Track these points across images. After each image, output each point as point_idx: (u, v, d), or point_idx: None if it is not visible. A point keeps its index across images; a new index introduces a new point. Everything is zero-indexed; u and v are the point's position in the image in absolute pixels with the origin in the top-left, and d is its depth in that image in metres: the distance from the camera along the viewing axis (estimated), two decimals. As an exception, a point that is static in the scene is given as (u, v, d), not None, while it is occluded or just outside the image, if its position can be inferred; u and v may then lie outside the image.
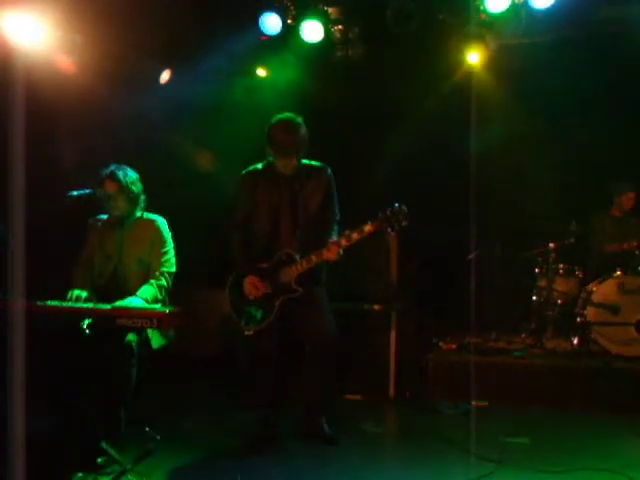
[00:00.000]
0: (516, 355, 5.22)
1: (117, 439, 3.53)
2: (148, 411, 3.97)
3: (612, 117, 6.22)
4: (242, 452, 3.74)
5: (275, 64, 6.52)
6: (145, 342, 3.68)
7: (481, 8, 5.45)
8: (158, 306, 3.62)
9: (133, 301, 3.60)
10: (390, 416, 4.88)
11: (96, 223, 4.05)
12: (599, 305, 5.36)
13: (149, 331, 3.66)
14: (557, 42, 5.85)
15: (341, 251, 3.62)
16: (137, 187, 3.90)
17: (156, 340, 3.75)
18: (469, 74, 6.28)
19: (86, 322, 3.43)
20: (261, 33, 5.93)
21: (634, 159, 5.96)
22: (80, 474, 3.27)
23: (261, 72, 6.61)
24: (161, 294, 3.82)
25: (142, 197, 3.95)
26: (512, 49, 5.94)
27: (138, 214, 3.97)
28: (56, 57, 5.11)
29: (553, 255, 5.87)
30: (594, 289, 5.46)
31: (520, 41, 5.78)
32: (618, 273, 5.45)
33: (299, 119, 3.77)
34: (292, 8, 5.80)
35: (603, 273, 5.60)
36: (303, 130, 3.75)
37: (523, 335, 5.91)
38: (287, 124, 3.73)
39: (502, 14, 5.42)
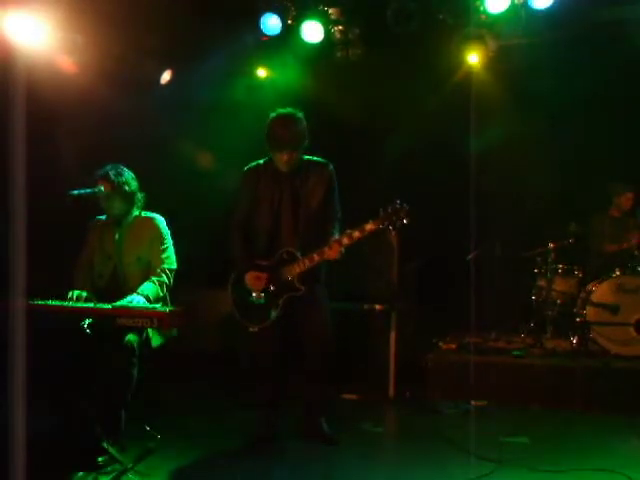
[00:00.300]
0: (516, 355, 5.23)
1: (117, 438, 3.54)
2: (148, 410, 3.97)
3: (612, 117, 6.23)
4: (242, 452, 3.75)
5: (275, 64, 6.53)
6: (146, 342, 3.68)
7: (481, 8, 5.45)
8: (158, 306, 3.62)
9: (134, 299, 3.60)
10: (390, 416, 4.88)
11: (95, 224, 4.06)
12: (598, 305, 5.36)
13: (149, 330, 3.66)
14: (557, 42, 5.86)
15: (343, 250, 3.61)
16: (131, 186, 3.90)
17: (156, 339, 3.76)
18: (469, 74, 6.28)
19: (87, 322, 3.44)
20: (261, 33, 5.94)
21: (633, 159, 5.97)
22: (80, 473, 3.27)
23: (261, 72, 6.61)
24: (162, 291, 3.82)
25: (138, 196, 3.95)
26: (512, 49, 5.94)
27: (136, 213, 3.97)
28: (57, 57, 5.12)
29: (552, 255, 5.87)
30: (593, 289, 5.46)
31: (520, 41, 5.78)
32: (617, 273, 5.46)
33: (299, 114, 3.77)
34: (292, 8, 5.80)
35: (602, 273, 5.61)
36: (301, 125, 3.74)
37: (523, 335, 5.91)
38: (285, 118, 3.73)
39: (502, 14, 5.43)
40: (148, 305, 3.58)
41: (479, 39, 5.80)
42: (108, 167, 3.89)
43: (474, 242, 6.33)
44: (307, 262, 3.68)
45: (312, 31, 5.80)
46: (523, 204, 6.62)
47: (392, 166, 6.59)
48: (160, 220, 3.99)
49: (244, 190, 3.92)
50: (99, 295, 3.76)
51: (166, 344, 3.85)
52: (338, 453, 3.77)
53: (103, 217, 4.04)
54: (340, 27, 5.86)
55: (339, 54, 6.10)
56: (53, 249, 4.12)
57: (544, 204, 6.47)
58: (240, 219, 3.91)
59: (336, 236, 3.67)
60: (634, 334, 5.25)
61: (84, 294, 3.71)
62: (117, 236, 3.92)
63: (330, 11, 5.81)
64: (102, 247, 3.94)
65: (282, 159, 3.75)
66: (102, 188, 3.81)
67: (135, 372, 3.55)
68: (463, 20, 5.56)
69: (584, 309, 5.42)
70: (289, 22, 5.87)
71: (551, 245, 5.85)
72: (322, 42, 5.90)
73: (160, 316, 3.36)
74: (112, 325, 3.39)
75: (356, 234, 3.59)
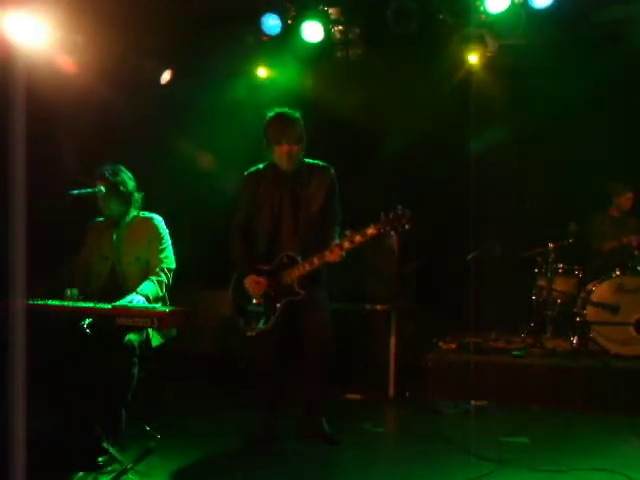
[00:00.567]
0: (516, 355, 5.23)
1: (117, 438, 3.53)
2: (148, 410, 3.97)
3: (612, 117, 6.23)
4: (242, 452, 3.75)
5: (275, 64, 6.53)
6: (146, 341, 3.68)
7: (481, 8, 5.44)
8: (158, 305, 3.63)
9: (134, 298, 3.60)
10: (390, 416, 4.88)
11: (93, 224, 4.06)
12: (598, 305, 5.36)
13: (149, 330, 3.66)
14: (557, 42, 5.85)
15: (343, 254, 3.59)
16: (128, 187, 3.90)
17: (156, 339, 3.76)
18: (469, 74, 6.28)
19: (87, 321, 3.44)
20: (261, 33, 5.94)
21: (633, 159, 5.97)
22: (80, 473, 3.27)
23: (261, 72, 6.61)
24: (162, 290, 3.82)
25: (135, 196, 3.95)
26: (512, 49, 5.94)
27: (134, 213, 3.98)
28: (57, 57, 5.13)
29: (552, 255, 5.87)
30: (593, 289, 5.46)
31: (520, 41, 5.78)
32: (617, 273, 5.46)
33: (296, 114, 3.79)
34: (292, 8, 5.80)
35: (602, 273, 5.61)
36: (298, 123, 3.76)
37: (523, 335, 5.91)
38: (282, 114, 3.77)
39: (502, 14, 5.42)
40: (148, 305, 3.58)
41: (479, 39, 5.80)
42: (105, 167, 3.89)
43: (474, 242, 6.34)
44: (307, 266, 3.67)
45: (312, 31, 5.80)
46: (523, 204, 6.62)
47: (392, 166, 6.59)
48: (159, 220, 3.99)
49: (244, 195, 3.92)
50: (98, 294, 3.76)
51: (166, 344, 3.85)
52: (338, 453, 3.78)
53: (101, 218, 4.04)
54: (340, 27, 5.85)
55: (339, 54, 6.10)
56: (53, 249, 4.12)
57: (544, 204, 6.46)
58: (241, 221, 3.91)
59: (337, 240, 3.65)
60: (634, 334, 5.25)
61: (75, 292, 3.70)
62: (115, 236, 3.92)
63: (330, 11, 5.80)
64: (100, 247, 3.94)
65: (282, 153, 3.74)
66: (102, 188, 3.81)
67: (135, 372, 3.55)
68: (463, 20, 5.55)
69: (584, 309, 5.42)
70: (289, 22, 5.86)
71: (551, 245, 5.85)
72: (322, 42, 5.89)
73: (160, 316, 3.37)
74: (112, 325, 3.39)
75: (357, 238, 3.57)
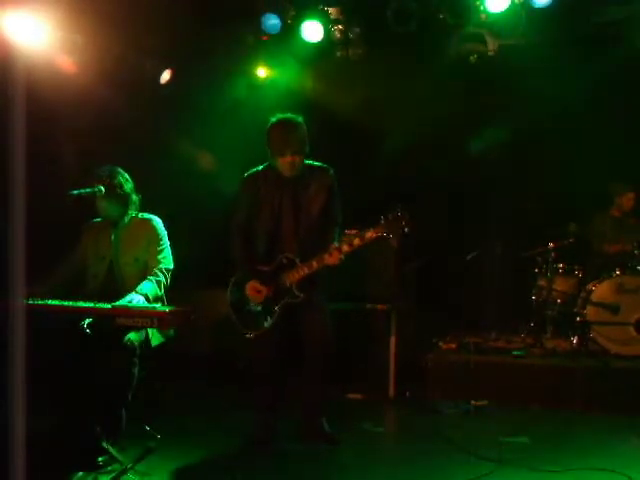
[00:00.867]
0: (516, 355, 5.23)
1: (117, 438, 3.54)
2: (148, 410, 3.97)
3: (612, 117, 6.23)
4: (241, 452, 3.75)
5: (275, 64, 6.53)
6: (146, 341, 3.68)
7: (481, 8, 5.43)
8: (158, 305, 3.63)
9: (134, 298, 3.59)
10: (390, 416, 4.89)
11: (90, 225, 4.07)
12: (598, 304, 5.36)
13: (149, 329, 3.66)
14: (557, 42, 5.85)
15: (342, 257, 3.59)
16: (125, 189, 3.89)
17: (155, 338, 3.76)
18: (468, 74, 6.28)
19: (87, 321, 3.44)
20: (261, 33, 5.94)
21: (633, 159, 5.97)
22: (80, 473, 3.27)
23: (261, 72, 6.61)
24: (160, 290, 3.82)
25: (133, 198, 3.95)
26: (512, 49, 5.94)
27: (132, 214, 3.98)
28: (56, 57, 5.12)
29: (553, 255, 5.87)
30: (593, 288, 5.46)
31: (520, 41, 5.78)
32: (617, 273, 5.46)
33: (299, 119, 3.77)
34: (292, 8, 5.79)
35: (603, 273, 5.61)
36: (301, 130, 3.74)
37: (523, 335, 5.91)
38: (284, 123, 3.74)
39: (502, 14, 5.42)
40: (148, 305, 3.58)
41: (479, 39, 5.80)
42: (102, 169, 3.90)
43: (474, 242, 6.34)
44: (306, 269, 3.67)
45: (312, 31, 5.79)
46: (523, 204, 6.62)
47: (392, 166, 6.58)
48: (157, 221, 3.99)
49: (244, 196, 3.91)
50: (95, 295, 3.76)
51: (166, 343, 3.85)
52: (338, 453, 3.78)
53: (98, 219, 4.04)
54: (340, 27, 5.84)
55: (339, 54, 6.09)
56: (53, 249, 4.12)
57: (544, 204, 6.47)
58: (241, 221, 3.90)
59: (336, 243, 3.65)
60: (634, 334, 5.25)
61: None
62: (113, 237, 3.92)
63: (330, 11, 5.80)
64: (97, 248, 3.94)
65: (285, 164, 3.73)
66: (102, 188, 3.81)
67: (136, 371, 3.55)
68: (463, 20, 5.55)
69: (584, 309, 5.42)
70: (289, 22, 5.86)
71: (551, 245, 5.85)
72: (322, 42, 5.89)
73: (160, 316, 3.37)
74: (112, 325, 3.39)
75: (356, 241, 3.57)
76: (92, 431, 3.43)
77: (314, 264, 3.64)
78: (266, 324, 3.74)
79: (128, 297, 3.59)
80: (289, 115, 3.77)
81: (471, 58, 6.07)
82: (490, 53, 5.96)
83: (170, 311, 3.43)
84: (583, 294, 5.62)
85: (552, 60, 5.99)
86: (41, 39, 4.77)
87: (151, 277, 3.80)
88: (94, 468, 3.33)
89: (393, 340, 5.09)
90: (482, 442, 3.82)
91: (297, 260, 3.71)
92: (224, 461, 3.66)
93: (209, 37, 5.84)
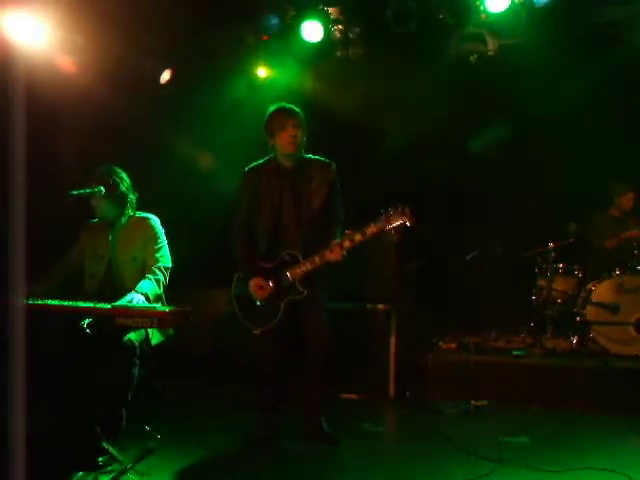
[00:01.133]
0: (516, 355, 5.23)
1: (118, 438, 3.54)
2: (148, 410, 3.97)
3: (612, 117, 6.23)
4: (242, 452, 3.75)
5: (275, 64, 6.53)
6: (146, 340, 3.68)
7: (481, 8, 5.43)
8: (158, 305, 3.63)
9: (134, 297, 3.59)
10: (390, 416, 4.88)
11: (88, 226, 4.07)
12: (598, 304, 5.36)
13: (149, 329, 3.66)
14: (557, 42, 5.85)
15: (344, 253, 3.59)
16: (122, 189, 3.89)
17: (155, 337, 3.76)
18: (468, 74, 6.28)
19: (86, 321, 3.44)
20: (261, 33, 5.94)
21: (633, 159, 5.97)
22: (80, 473, 3.27)
23: (261, 72, 6.61)
24: (159, 289, 3.82)
25: (130, 197, 3.95)
26: (512, 49, 5.94)
27: (130, 213, 3.97)
28: (57, 57, 5.12)
29: (552, 255, 5.87)
30: (593, 288, 5.46)
31: (520, 41, 5.78)
32: (617, 272, 5.46)
33: (297, 108, 3.81)
34: (292, 8, 5.80)
35: (603, 272, 5.61)
36: (301, 113, 3.78)
37: (523, 335, 5.91)
38: (283, 106, 3.80)
39: (502, 14, 5.42)
40: (148, 305, 3.58)
41: (479, 39, 5.80)
42: (99, 169, 3.90)
43: (474, 242, 6.34)
44: (309, 265, 3.66)
45: (312, 31, 5.79)
46: (523, 204, 6.62)
47: (392, 165, 6.58)
48: (154, 220, 3.99)
49: (244, 190, 3.91)
50: (93, 295, 3.76)
51: (166, 342, 3.85)
52: (338, 453, 3.78)
53: (95, 220, 4.05)
54: (340, 26, 5.84)
55: (339, 53, 6.09)
56: (53, 249, 4.12)
57: (544, 204, 6.47)
58: (242, 218, 3.90)
59: (338, 238, 3.65)
60: (634, 334, 5.25)
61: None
62: (111, 237, 3.92)
63: (330, 10, 5.80)
64: (94, 248, 3.93)
65: (288, 138, 3.72)
66: (102, 188, 3.81)
67: (136, 371, 3.55)
68: (463, 20, 5.55)
69: (584, 309, 5.42)
70: (289, 22, 5.86)
71: (551, 245, 5.85)
72: (322, 42, 5.88)
73: (160, 316, 3.37)
74: (112, 325, 3.39)
75: (358, 237, 3.57)
76: (92, 431, 3.43)
77: (316, 260, 3.64)
78: (272, 320, 3.74)
79: (128, 296, 3.59)
80: (285, 103, 3.84)
81: (471, 58, 6.07)
82: (490, 53, 5.96)
83: (170, 311, 3.43)
84: (583, 294, 5.63)
85: (552, 60, 5.99)
86: (41, 39, 4.77)
87: (150, 276, 3.80)
88: (94, 468, 3.33)
89: (393, 340, 5.09)
90: (482, 442, 3.82)
91: (299, 256, 3.71)
92: (224, 461, 3.66)
93: (209, 37, 5.84)
